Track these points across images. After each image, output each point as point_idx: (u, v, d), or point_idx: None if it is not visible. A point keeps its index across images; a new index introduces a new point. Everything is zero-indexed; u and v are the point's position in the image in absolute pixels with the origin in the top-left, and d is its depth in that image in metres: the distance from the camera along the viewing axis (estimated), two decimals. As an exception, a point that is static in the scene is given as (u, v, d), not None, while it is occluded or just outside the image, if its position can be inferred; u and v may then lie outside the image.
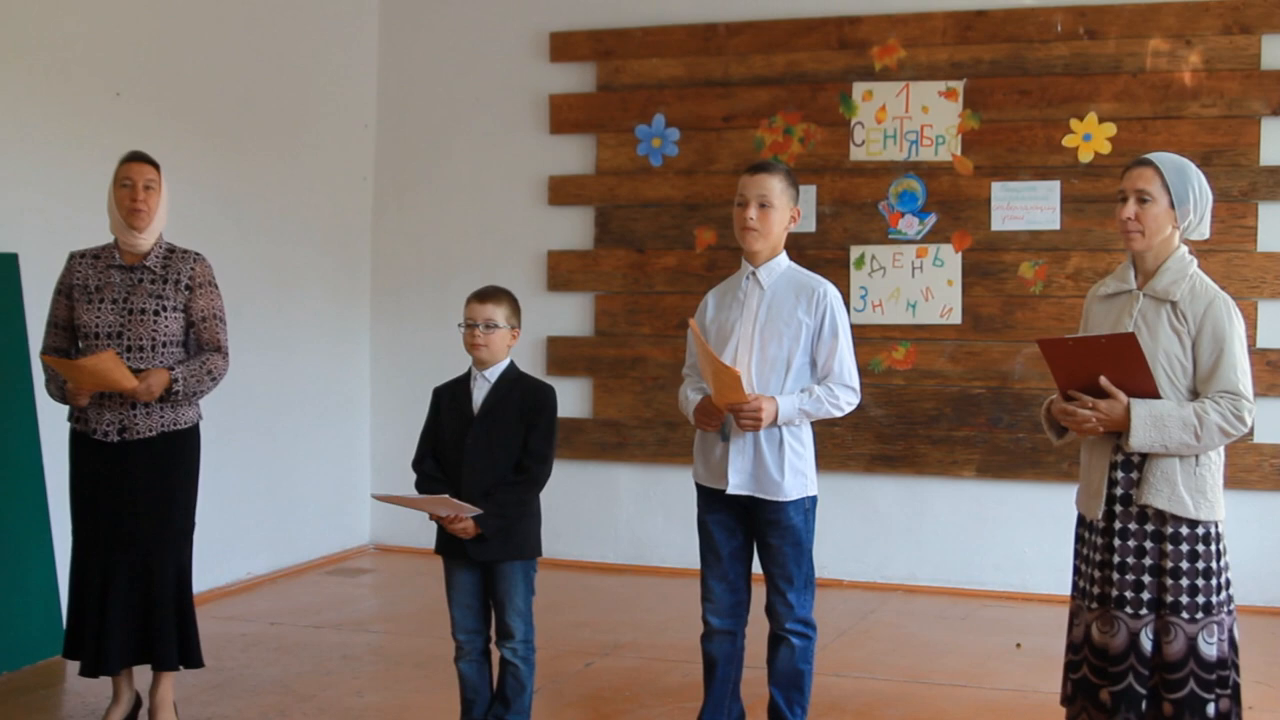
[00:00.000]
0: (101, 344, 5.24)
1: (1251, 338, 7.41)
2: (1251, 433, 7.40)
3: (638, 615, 7.55)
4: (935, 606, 7.80)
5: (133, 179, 5.31)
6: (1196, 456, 4.36)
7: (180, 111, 7.48)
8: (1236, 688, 4.43)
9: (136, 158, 5.38)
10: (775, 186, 4.98)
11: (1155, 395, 4.33)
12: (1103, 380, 4.37)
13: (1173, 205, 4.43)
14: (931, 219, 8.12)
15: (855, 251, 8.23)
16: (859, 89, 8.25)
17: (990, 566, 8.08)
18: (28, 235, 6.44)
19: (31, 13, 6.61)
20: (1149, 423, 4.30)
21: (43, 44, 6.66)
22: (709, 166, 8.53)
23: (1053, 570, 7.53)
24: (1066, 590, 4.80)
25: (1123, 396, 4.34)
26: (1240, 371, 4.33)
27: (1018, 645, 6.90)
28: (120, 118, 7.01)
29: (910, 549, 8.24)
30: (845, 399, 4.98)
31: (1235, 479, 7.38)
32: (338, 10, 8.94)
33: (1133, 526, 4.42)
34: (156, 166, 5.37)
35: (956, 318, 8.09)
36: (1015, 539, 8.02)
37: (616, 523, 8.79)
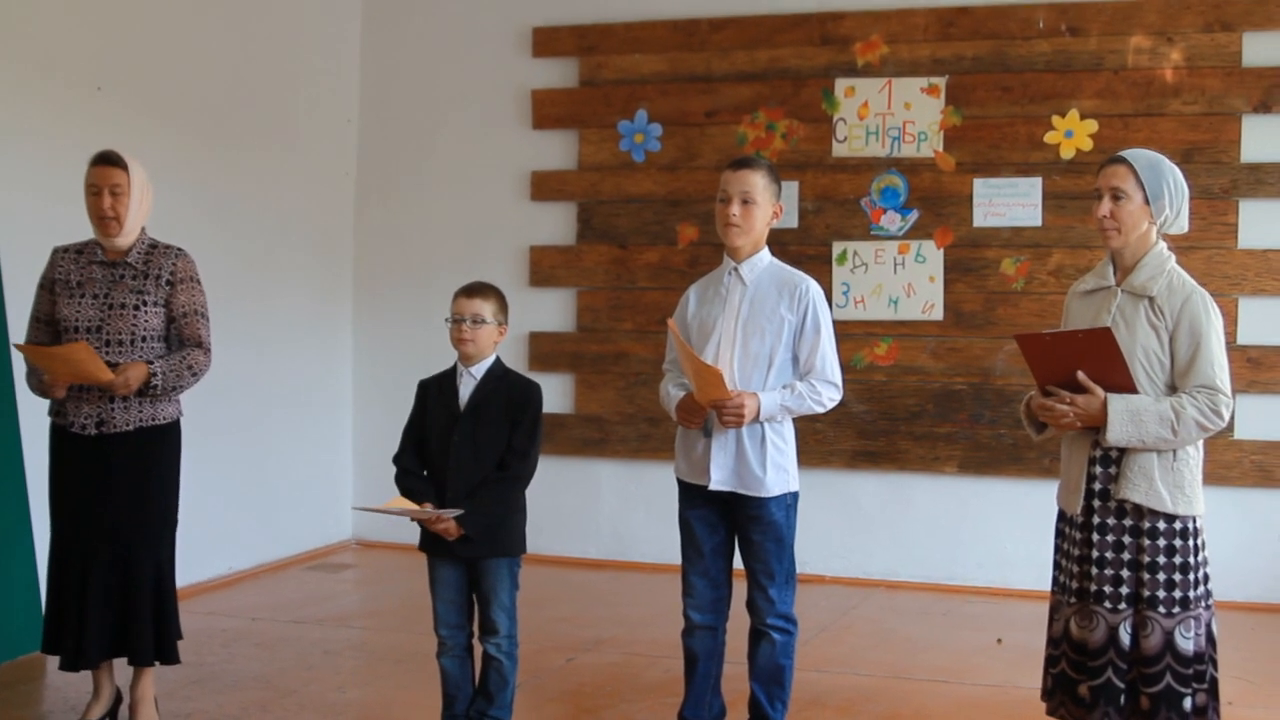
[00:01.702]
0: (80, 338, 5.20)
1: (1232, 334, 7.44)
2: (1232, 429, 7.52)
3: (619, 610, 7.56)
4: (917, 602, 7.82)
5: (99, 185, 5.26)
6: (1174, 451, 4.37)
7: (161, 106, 7.46)
8: (1214, 682, 4.45)
9: (102, 160, 5.29)
10: (758, 183, 4.98)
11: (1132, 390, 4.35)
12: (1080, 375, 4.38)
13: (1147, 201, 4.45)
14: (914, 215, 8.13)
15: (837, 247, 8.23)
16: (841, 85, 8.26)
17: (972, 562, 8.10)
18: (8, 231, 6.40)
19: (11, 7, 6.59)
20: (1126, 418, 4.31)
21: (23, 38, 6.63)
22: (691, 162, 8.53)
23: (1034, 566, 7.52)
24: (1048, 586, 4.82)
25: (1100, 391, 4.36)
26: (1217, 366, 4.35)
27: (998, 640, 6.92)
28: (101, 112, 6.99)
29: (892, 545, 8.26)
30: (828, 395, 4.98)
31: (1215, 475, 7.39)
32: (320, 5, 8.93)
33: (1111, 521, 4.44)
34: (124, 167, 5.28)
35: (938, 314, 8.10)
36: (997, 535, 8.04)
37: (598, 518, 8.79)
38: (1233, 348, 7.31)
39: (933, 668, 6.48)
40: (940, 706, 5.91)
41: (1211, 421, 4.31)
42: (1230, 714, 5.43)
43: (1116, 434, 4.33)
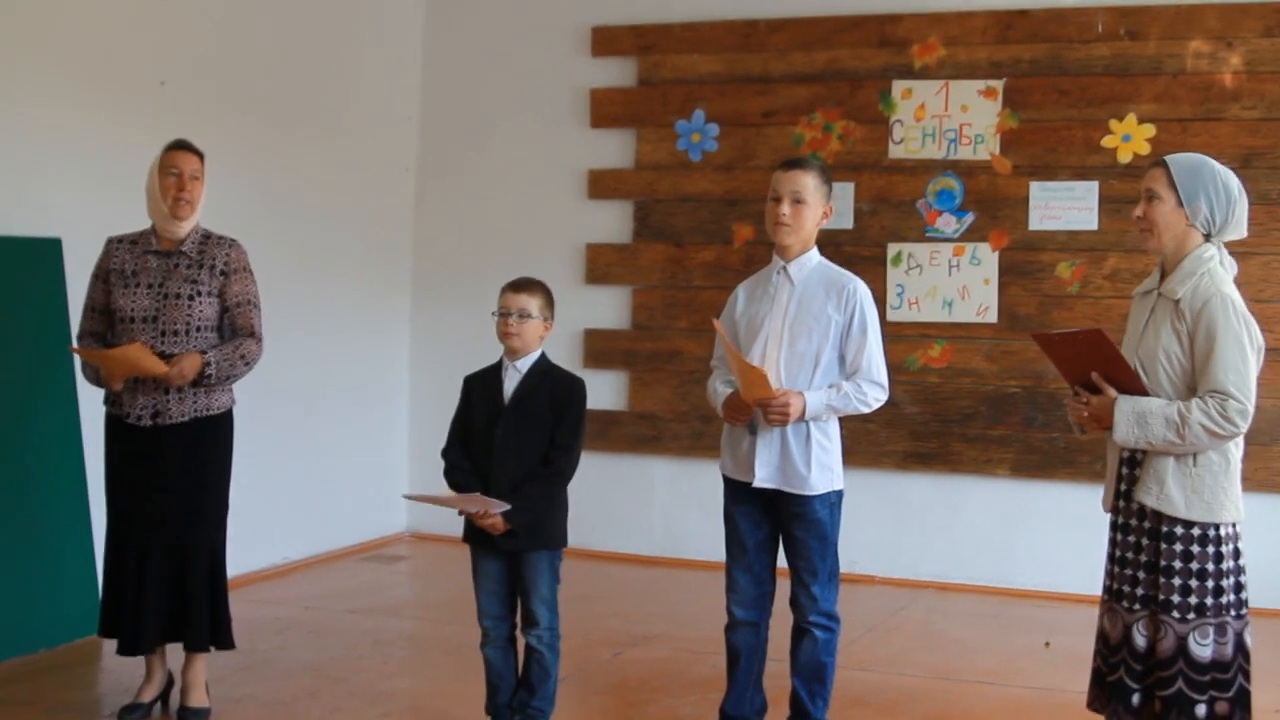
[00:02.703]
0: (137, 328, 5.31)
1: (1287, 341, 7.37)
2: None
3: (669, 607, 7.59)
4: (967, 604, 7.81)
5: (180, 169, 5.37)
6: (1194, 456, 4.31)
7: (224, 101, 7.57)
8: (1243, 693, 4.35)
9: (183, 146, 5.44)
10: (809, 183, 5.01)
11: (1139, 389, 4.34)
12: (1093, 375, 4.40)
13: (1181, 203, 4.41)
14: (969, 218, 8.12)
15: (893, 249, 8.23)
16: (898, 87, 8.26)
17: (1022, 565, 8.07)
18: (71, 221, 6.52)
19: (77, 3, 6.70)
20: (1131, 419, 4.29)
21: (88, 34, 6.75)
22: (748, 162, 8.55)
23: (1084, 569, 7.48)
24: (1097, 590, 4.81)
25: (1111, 391, 4.36)
26: (1231, 371, 4.25)
27: (1047, 644, 6.91)
28: (164, 107, 7.09)
29: (943, 546, 8.24)
30: (873, 395, 5.00)
31: (1269, 482, 7.36)
32: (382, 3, 9.01)
33: (1133, 522, 4.43)
34: (201, 156, 5.45)
35: (993, 316, 8.08)
36: (1048, 538, 8.00)
37: (651, 515, 8.82)
38: (1287, 355, 7.27)
39: (980, 670, 6.48)
40: (986, 709, 5.91)
41: (1222, 427, 4.22)
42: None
43: (1121, 434, 4.32)
